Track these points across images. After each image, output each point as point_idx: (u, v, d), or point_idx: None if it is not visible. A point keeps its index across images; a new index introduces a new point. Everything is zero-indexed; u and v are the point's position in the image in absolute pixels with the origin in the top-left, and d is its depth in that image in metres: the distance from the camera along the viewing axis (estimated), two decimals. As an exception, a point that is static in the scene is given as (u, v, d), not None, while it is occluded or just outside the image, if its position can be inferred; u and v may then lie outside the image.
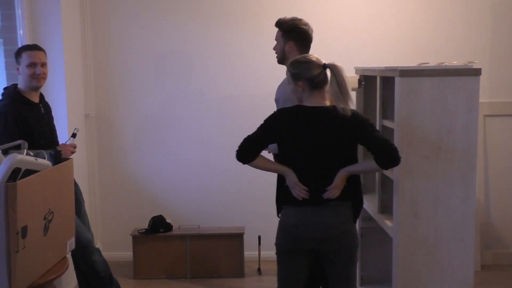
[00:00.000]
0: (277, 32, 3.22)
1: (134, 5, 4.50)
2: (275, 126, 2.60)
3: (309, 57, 2.63)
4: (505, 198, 4.50)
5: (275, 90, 3.26)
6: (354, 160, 2.63)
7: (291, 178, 2.59)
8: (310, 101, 2.59)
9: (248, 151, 2.60)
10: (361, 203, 2.73)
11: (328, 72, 2.59)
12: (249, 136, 2.61)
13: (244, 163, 2.62)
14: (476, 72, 2.66)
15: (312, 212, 2.58)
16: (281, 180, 2.71)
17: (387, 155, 2.47)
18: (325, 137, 2.53)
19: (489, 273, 4.31)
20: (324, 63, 2.59)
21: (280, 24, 3.20)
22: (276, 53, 3.25)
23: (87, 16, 4.45)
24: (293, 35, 3.15)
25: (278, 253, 2.68)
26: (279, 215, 2.71)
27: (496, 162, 4.48)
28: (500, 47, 4.42)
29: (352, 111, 2.60)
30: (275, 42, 3.24)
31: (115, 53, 4.54)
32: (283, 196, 2.66)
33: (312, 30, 3.20)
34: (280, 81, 3.21)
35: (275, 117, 2.63)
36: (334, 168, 2.58)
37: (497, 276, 4.26)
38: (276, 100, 3.15)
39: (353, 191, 2.65)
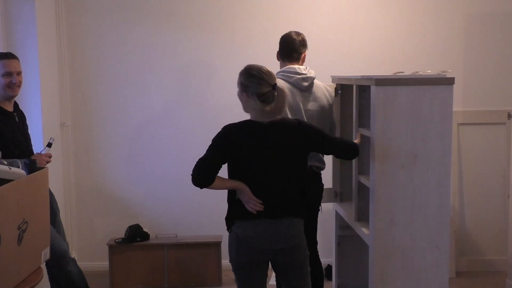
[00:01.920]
0: None
1: (111, 13, 4.47)
2: (224, 144, 2.56)
3: (262, 73, 2.56)
4: (479, 205, 4.57)
5: None
6: (304, 170, 2.69)
7: (245, 193, 2.58)
8: (258, 115, 2.59)
9: (204, 175, 2.52)
10: (307, 206, 2.78)
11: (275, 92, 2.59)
12: (201, 159, 2.54)
13: (201, 187, 2.55)
14: (450, 81, 2.70)
15: (269, 224, 2.59)
16: (231, 195, 2.68)
17: (349, 152, 2.78)
18: (276, 151, 2.55)
19: (464, 279, 4.37)
20: (274, 84, 2.56)
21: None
22: None
23: (63, 23, 4.41)
24: (280, 44, 3.35)
25: (234, 268, 2.65)
26: (230, 229, 2.67)
27: (470, 170, 4.55)
28: (472, 57, 4.51)
29: (299, 121, 2.68)
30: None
31: (92, 61, 4.51)
32: (236, 210, 2.64)
33: (298, 40, 3.30)
34: None
35: (223, 134, 2.59)
36: (288, 179, 2.61)
37: (471, 283, 4.31)
38: None
39: (303, 202, 2.72)
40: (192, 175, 2.53)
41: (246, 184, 2.59)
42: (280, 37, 3.38)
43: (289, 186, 2.62)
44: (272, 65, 2.88)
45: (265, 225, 2.58)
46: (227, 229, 2.70)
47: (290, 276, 2.67)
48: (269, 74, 2.58)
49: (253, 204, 2.57)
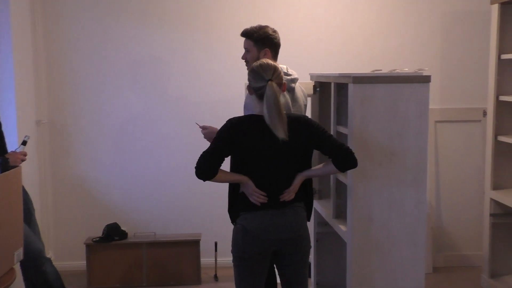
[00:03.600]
0: (247, 41, 3.17)
1: (88, 9, 4.42)
2: (229, 136, 2.57)
3: (260, 68, 2.56)
4: (456, 202, 4.63)
5: (240, 96, 3.25)
6: (309, 164, 2.67)
7: (249, 186, 2.60)
8: (260, 109, 2.58)
9: (208, 168, 2.52)
10: (312, 203, 2.80)
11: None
12: (205, 151, 2.55)
13: (205, 180, 2.55)
14: (426, 79, 2.73)
15: (273, 215, 2.61)
16: (233, 188, 2.70)
17: (346, 159, 2.55)
18: (280, 144, 2.55)
19: (441, 275, 4.43)
20: (268, 79, 2.53)
21: (250, 33, 3.16)
22: (247, 62, 3.20)
23: (38, 18, 4.35)
24: (267, 42, 3.14)
25: (238, 259, 2.66)
26: (235, 222, 2.70)
27: (447, 167, 4.61)
28: (449, 55, 4.56)
29: (304, 117, 2.66)
30: (241, 48, 3.23)
31: (69, 57, 4.45)
32: (240, 203, 2.65)
33: (279, 36, 3.21)
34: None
35: (228, 127, 2.59)
36: (291, 172, 2.62)
37: (448, 278, 4.37)
38: (245, 106, 3.15)
39: (306, 192, 2.72)
40: (195, 167, 2.52)
41: (249, 176, 2.60)
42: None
43: (292, 178, 2.62)
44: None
45: (269, 215, 2.60)
46: (232, 222, 2.72)
47: (292, 267, 2.68)
48: (266, 68, 2.55)
49: (256, 196, 2.59)
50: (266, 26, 3.19)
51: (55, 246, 4.56)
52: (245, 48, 3.20)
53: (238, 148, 2.58)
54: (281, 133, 2.49)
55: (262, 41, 3.14)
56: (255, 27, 3.17)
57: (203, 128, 3.09)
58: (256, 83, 2.56)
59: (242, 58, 3.22)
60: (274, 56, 3.18)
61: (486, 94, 4.06)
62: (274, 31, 3.19)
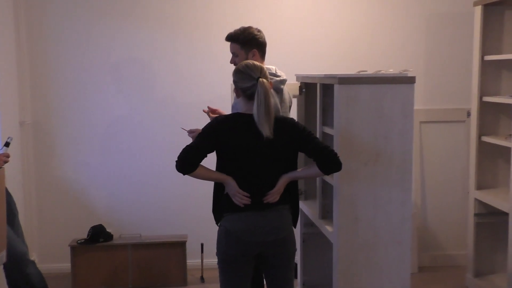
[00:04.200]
0: (233, 45, 3.16)
1: (72, 8, 4.39)
2: (214, 134, 2.57)
3: (247, 68, 2.57)
4: (441, 201, 4.67)
5: (225, 98, 3.23)
6: (294, 166, 2.67)
7: (232, 186, 2.59)
8: (248, 109, 2.58)
9: (188, 162, 2.53)
10: (298, 207, 2.79)
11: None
12: (188, 145, 2.56)
13: (184, 173, 2.56)
14: (411, 80, 2.75)
15: (257, 216, 2.60)
16: (218, 188, 2.70)
17: (330, 162, 2.54)
18: (265, 145, 2.55)
19: (426, 274, 4.46)
20: (258, 77, 2.53)
21: (235, 37, 3.14)
22: (235, 65, 3.18)
23: (22, 18, 4.30)
24: (253, 43, 3.13)
25: (222, 261, 2.66)
26: (219, 223, 2.69)
27: (432, 167, 4.64)
28: (433, 56, 4.60)
29: (291, 119, 2.66)
30: (226, 49, 3.22)
31: (52, 57, 4.41)
32: (224, 204, 2.65)
33: (263, 34, 3.20)
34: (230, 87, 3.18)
35: (213, 125, 2.60)
36: (275, 174, 2.62)
37: (433, 277, 4.40)
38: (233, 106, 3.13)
39: (291, 194, 2.71)
40: (176, 160, 2.54)
41: (233, 177, 2.59)
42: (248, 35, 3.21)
43: (276, 180, 2.61)
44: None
45: (253, 217, 2.59)
46: (216, 223, 2.71)
47: (276, 269, 2.67)
48: (254, 68, 2.55)
49: (239, 197, 2.58)
50: (250, 27, 3.18)
51: (39, 248, 4.51)
52: (232, 53, 3.19)
53: (222, 146, 2.57)
54: (266, 130, 2.49)
55: (248, 43, 3.13)
56: (239, 30, 3.16)
57: (190, 131, 3.08)
58: (244, 83, 2.55)
59: (231, 62, 3.20)
60: (262, 56, 3.18)
61: (470, 95, 4.10)
62: (259, 31, 3.18)
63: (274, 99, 2.97)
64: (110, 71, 4.47)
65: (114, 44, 4.44)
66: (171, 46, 4.46)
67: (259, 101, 2.48)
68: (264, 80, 2.52)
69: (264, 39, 3.19)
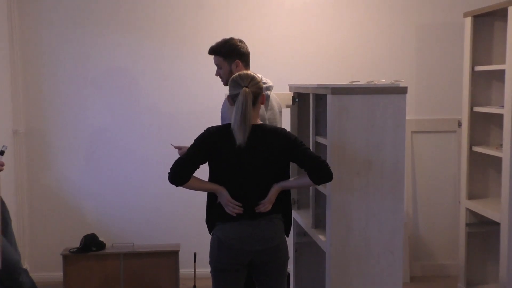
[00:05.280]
0: (216, 58, 3.20)
1: (65, 17, 4.40)
2: (205, 145, 2.59)
3: (238, 77, 2.61)
4: (432, 211, 4.69)
5: (211, 108, 3.25)
6: (286, 176, 2.68)
7: (224, 196, 2.61)
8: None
9: (180, 173, 2.55)
10: (291, 217, 2.80)
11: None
12: (180, 157, 2.58)
13: (177, 185, 2.57)
14: (403, 90, 2.78)
15: (249, 226, 2.61)
16: (211, 198, 2.71)
17: (321, 172, 2.57)
18: (257, 154, 2.56)
19: (418, 284, 4.47)
20: (244, 86, 2.55)
21: (217, 50, 3.17)
22: (221, 77, 3.23)
23: (16, 27, 4.31)
24: (235, 54, 3.16)
25: (214, 270, 2.68)
26: (212, 232, 2.70)
27: (424, 176, 4.67)
28: (424, 67, 4.65)
29: (282, 129, 2.68)
30: (211, 59, 3.23)
31: (46, 66, 4.42)
32: (217, 213, 2.66)
33: (246, 44, 3.23)
34: (217, 97, 3.21)
35: (205, 136, 2.62)
36: (267, 183, 2.64)
37: (425, 287, 4.42)
38: (222, 115, 3.15)
39: (283, 203, 2.72)
40: (169, 172, 2.55)
41: (225, 187, 2.61)
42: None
43: (268, 189, 2.63)
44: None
45: (245, 226, 2.61)
46: (209, 232, 2.73)
47: (268, 277, 2.69)
48: (245, 77, 2.59)
49: (231, 207, 2.59)
50: (231, 38, 3.21)
51: (31, 257, 4.49)
52: (216, 65, 3.22)
53: (214, 156, 2.59)
54: (240, 138, 2.51)
55: (231, 54, 3.16)
56: (221, 42, 3.19)
57: (178, 148, 3.09)
58: (233, 91, 2.59)
59: (216, 75, 3.24)
60: (246, 66, 3.20)
61: (461, 105, 4.14)
62: (241, 41, 3.21)
63: (260, 109, 2.99)
64: (101, 80, 4.48)
65: (106, 53, 4.45)
66: (160, 55, 4.48)
67: (237, 108, 2.52)
68: (247, 90, 2.54)
69: (247, 49, 3.21)
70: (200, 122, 3.53)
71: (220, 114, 3.16)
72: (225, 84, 3.25)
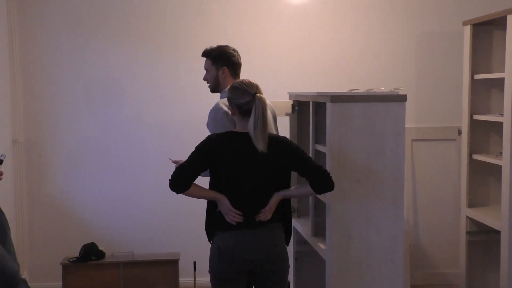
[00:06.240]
0: (206, 61, 3.19)
1: (66, 25, 4.42)
2: (207, 152, 2.58)
3: (242, 84, 2.60)
4: (433, 219, 4.68)
5: (198, 117, 3.21)
6: (287, 184, 2.68)
7: (225, 204, 2.60)
8: (242, 127, 2.60)
9: (181, 180, 2.54)
10: (291, 226, 2.79)
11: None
12: (181, 164, 2.58)
13: (178, 192, 2.56)
14: (402, 98, 2.78)
15: (249, 234, 2.60)
16: (211, 206, 2.70)
17: (323, 182, 2.56)
18: (259, 163, 2.56)
19: (419, 292, 4.46)
20: (255, 93, 2.56)
21: (208, 53, 3.18)
22: (207, 82, 3.22)
23: (16, 38, 4.33)
24: (224, 60, 3.15)
25: (214, 278, 2.67)
26: (212, 240, 2.70)
27: (424, 184, 4.67)
28: (424, 75, 4.66)
29: (284, 138, 2.67)
30: (202, 69, 3.23)
31: (45, 75, 4.43)
32: (217, 222, 2.65)
33: (239, 55, 3.21)
34: (211, 107, 3.18)
35: (206, 143, 2.61)
36: (268, 192, 2.63)
37: (426, 296, 4.40)
38: (207, 125, 3.12)
39: (284, 212, 2.71)
40: (170, 179, 2.55)
41: (226, 195, 2.60)
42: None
43: (269, 198, 2.62)
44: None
45: (245, 235, 2.60)
46: (209, 240, 2.72)
47: (269, 286, 2.68)
48: (250, 84, 2.59)
49: (232, 215, 2.58)
50: (226, 46, 3.20)
51: (30, 266, 4.47)
52: (205, 69, 3.22)
53: (215, 164, 2.58)
54: (261, 145, 2.50)
55: (219, 59, 3.15)
56: (214, 47, 3.19)
57: (176, 163, 3.07)
58: (240, 99, 2.57)
59: (203, 79, 3.24)
60: (233, 75, 3.16)
61: (460, 113, 4.14)
62: (234, 50, 3.19)
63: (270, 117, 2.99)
64: (101, 88, 4.48)
65: (107, 62, 4.46)
66: (157, 64, 4.49)
67: (257, 116, 2.50)
68: (262, 96, 2.55)
69: (237, 58, 3.18)
70: (197, 130, 3.54)
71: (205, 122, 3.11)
72: (212, 90, 3.25)
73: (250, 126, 2.52)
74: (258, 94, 2.54)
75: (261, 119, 2.50)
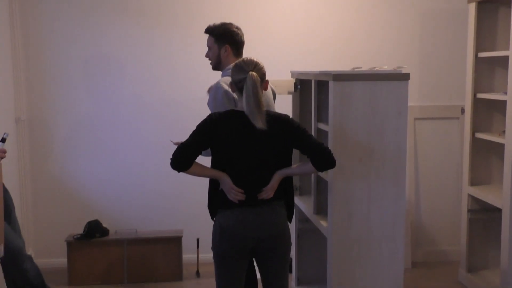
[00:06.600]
0: (209, 38, 3.17)
1: (66, 7, 4.38)
2: (209, 131, 2.58)
3: (242, 61, 2.59)
4: (434, 197, 4.70)
5: (197, 96, 3.20)
6: (289, 163, 2.69)
7: (227, 183, 2.61)
8: (242, 104, 2.60)
9: (183, 159, 2.55)
10: (293, 203, 2.80)
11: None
12: (182, 143, 2.58)
13: (179, 171, 2.57)
14: (405, 77, 2.77)
15: (251, 212, 2.62)
16: (213, 184, 2.71)
17: (324, 159, 2.56)
18: (260, 141, 2.56)
19: (419, 270, 4.49)
20: (250, 70, 2.53)
21: (211, 30, 3.15)
22: (209, 59, 3.20)
23: (17, 15, 4.30)
24: (227, 38, 3.12)
25: (217, 256, 2.68)
26: (214, 218, 2.72)
27: (426, 163, 4.67)
28: (427, 53, 4.62)
29: (285, 116, 2.66)
30: (203, 48, 3.21)
31: (48, 54, 4.42)
32: (219, 200, 2.67)
33: (243, 33, 3.19)
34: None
35: (207, 122, 2.60)
36: (270, 170, 2.63)
37: (427, 273, 4.44)
38: (208, 104, 3.12)
39: (286, 190, 2.72)
40: (171, 158, 2.55)
41: (228, 173, 2.61)
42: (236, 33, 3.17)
43: (270, 176, 2.62)
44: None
45: (246, 213, 2.61)
46: (211, 218, 2.74)
47: (271, 264, 2.69)
48: (249, 62, 2.56)
49: (234, 193, 2.60)
50: (230, 23, 3.17)
51: (35, 243, 4.52)
52: (207, 46, 3.19)
53: (216, 143, 2.59)
54: (259, 123, 2.49)
55: (222, 37, 3.12)
56: (218, 24, 3.16)
57: (178, 144, 3.08)
58: (237, 76, 2.56)
59: (206, 56, 3.22)
60: (236, 54, 3.14)
61: (464, 91, 4.13)
62: (237, 28, 3.16)
63: (265, 96, 2.98)
64: (108, 67, 4.47)
65: (109, 40, 4.44)
66: (164, 44, 4.47)
67: (248, 93, 2.49)
68: (254, 73, 2.52)
69: (241, 37, 3.15)
70: (199, 107, 3.53)
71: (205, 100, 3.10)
72: (213, 68, 3.23)
73: (244, 104, 2.53)
74: (250, 72, 2.52)
75: (252, 96, 2.48)
